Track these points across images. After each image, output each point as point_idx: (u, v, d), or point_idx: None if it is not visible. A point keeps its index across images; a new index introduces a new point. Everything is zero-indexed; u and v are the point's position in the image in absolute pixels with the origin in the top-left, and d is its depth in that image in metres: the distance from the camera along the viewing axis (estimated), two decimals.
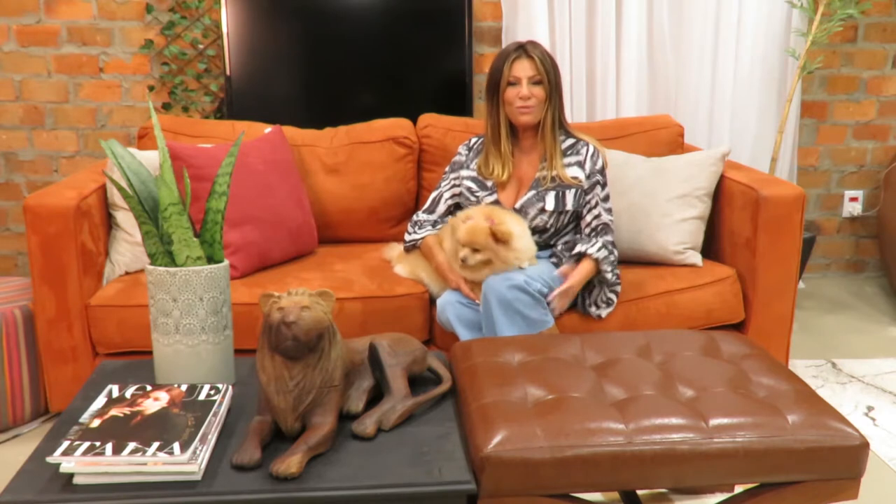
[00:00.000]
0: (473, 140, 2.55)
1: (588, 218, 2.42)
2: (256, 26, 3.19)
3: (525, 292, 2.19)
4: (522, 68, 2.36)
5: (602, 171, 2.43)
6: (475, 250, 2.25)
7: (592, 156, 2.43)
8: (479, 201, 2.44)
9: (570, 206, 2.40)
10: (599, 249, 2.32)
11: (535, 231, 2.42)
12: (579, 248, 2.33)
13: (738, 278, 2.55)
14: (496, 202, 2.43)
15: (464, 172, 2.50)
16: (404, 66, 3.29)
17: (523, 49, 2.38)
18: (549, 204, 2.39)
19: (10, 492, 1.38)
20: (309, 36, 3.24)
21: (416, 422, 1.63)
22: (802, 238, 2.53)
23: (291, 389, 1.50)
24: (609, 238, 2.40)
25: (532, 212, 2.40)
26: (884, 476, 2.25)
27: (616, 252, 2.40)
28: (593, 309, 2.37)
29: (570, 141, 2.45)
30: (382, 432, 1.58)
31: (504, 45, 3.37)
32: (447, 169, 2.56)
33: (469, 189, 2.47)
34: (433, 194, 2.55)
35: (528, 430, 1.50)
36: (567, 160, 2.42)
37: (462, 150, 2.54)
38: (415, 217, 2.56)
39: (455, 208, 2.53)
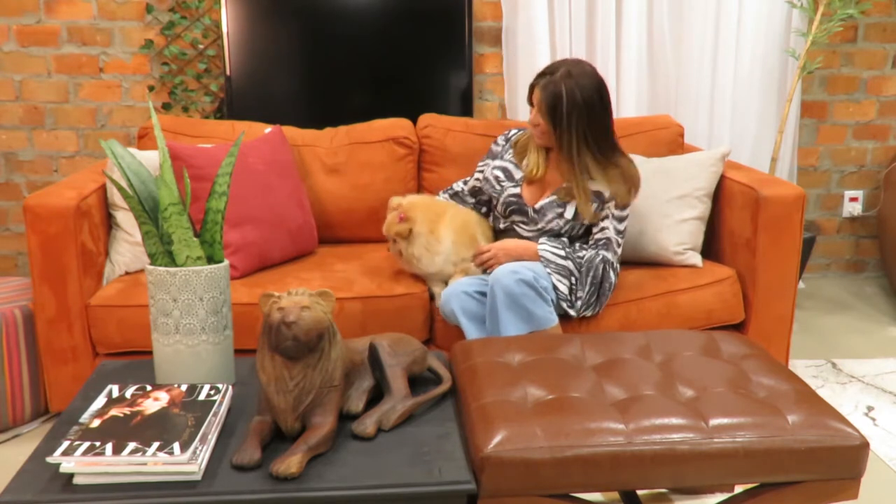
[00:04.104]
0: (513, 132, 2.57)
1: (595, 229, 2.41)
2: (256, 26, 3.19)
3: (532, 288, 2.19)
4: (535, 96, 2.34)
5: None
6: (393, 240, 2.45)
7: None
8: (502, 190, 2.46)
9: (587, 219, 2.40)
10: (552, 250, 2.33)
11: (549, 233, 2.42)
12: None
13: (738, 279, 2.55)
14: (518, 196, 2.44)
15: (495, 162, 2.52)
16: (404, 66, 3.29)
17: (541, 79, 2.31)
18: (569, 213, 2.39)
19: (10, 492, 1.38)
20: (309, 36, 3.24)
21: (416, 422, 1.63)
22: (802, 238, 2.53)
23: (291, 389, 1.50)
24: (607, 255, 2.36)
25: (550, 215, 2.40)
26: (884, 476, 2.25)
27: (612, 268, 2.37)
28: (568, 308, 2.33)
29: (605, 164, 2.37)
30: (382, 432, 1.58)
31: (504, 45, 3.39)
32: (484, 157, 2.61)
33: (496, 177, 2.49)
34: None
35: (528, 430, 1.50)
36: (595, 176, 2.36)
37: (500, 140, 2.57)
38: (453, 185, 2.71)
39: (477, 192, 2.60)
